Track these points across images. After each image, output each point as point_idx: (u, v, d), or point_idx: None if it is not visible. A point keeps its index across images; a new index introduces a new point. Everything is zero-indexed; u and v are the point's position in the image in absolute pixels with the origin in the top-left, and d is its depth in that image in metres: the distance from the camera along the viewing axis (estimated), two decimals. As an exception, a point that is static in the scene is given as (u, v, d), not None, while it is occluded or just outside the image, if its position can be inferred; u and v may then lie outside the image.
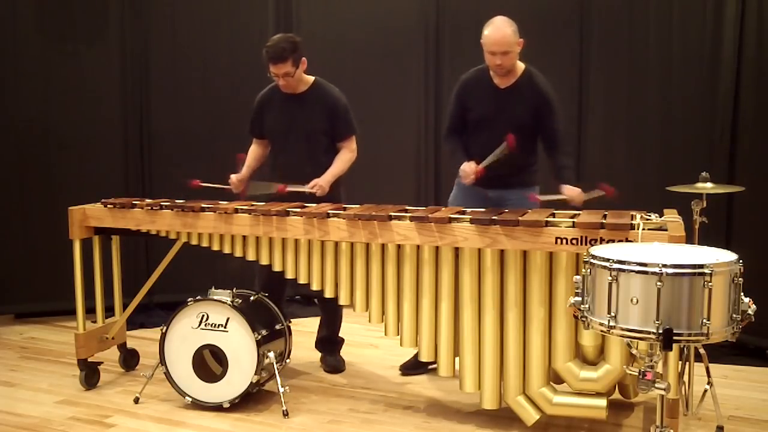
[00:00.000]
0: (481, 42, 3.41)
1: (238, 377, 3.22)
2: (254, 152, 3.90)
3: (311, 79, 3.73)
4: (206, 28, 4.97)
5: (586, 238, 2.71)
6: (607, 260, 2.03)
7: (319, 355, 3.95)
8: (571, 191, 3.29)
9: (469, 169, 3.42)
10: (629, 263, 1.99)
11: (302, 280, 3.27)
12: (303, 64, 3.64)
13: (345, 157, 3.72)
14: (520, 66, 3.50)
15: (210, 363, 3.33)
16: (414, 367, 3.72)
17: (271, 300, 3.52)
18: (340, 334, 3.93)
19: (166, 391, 3.42)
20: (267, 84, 5.04)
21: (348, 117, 3.72)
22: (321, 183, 3.57)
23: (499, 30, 3.36)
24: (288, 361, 3.52)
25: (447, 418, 3.21)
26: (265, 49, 3.59)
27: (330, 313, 3.83)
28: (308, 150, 3.68)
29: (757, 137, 3.94)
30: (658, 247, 2.27)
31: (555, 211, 3.02)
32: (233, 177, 3.79)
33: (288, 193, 3.50)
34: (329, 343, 3.90)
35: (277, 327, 3.38)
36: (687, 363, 3.03)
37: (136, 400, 3.38)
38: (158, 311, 4.79)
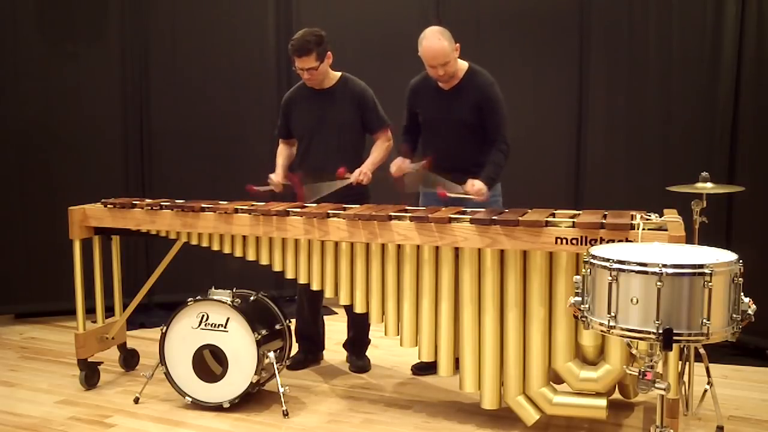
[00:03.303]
0: (419, 54, 3.44)
1: (238, 377, 3.22)
2: (283, 153, 3.89)
3: (338, 74, 3.73)
4: (206, 28, 4.97)
5: (586, 238, 2.71)
6: (607, 260, 2.03)
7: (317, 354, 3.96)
8: (471, 187, 3.31)
9: (399, 163, 3.53)
10: (629, 263, 1.99)
11: (302, 280, 3.27)
12: (328, 58, 3.63)
13: (382, 146, 3.73)
14: (463, 66, 3.52)
15: (210, 363, 3.33)
16: (426, 368, 3.66)
17: (310, 317, 3.62)
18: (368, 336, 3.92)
19: (166, 391, 3.42)
20: (267, 83, 5.08)
21: (378, 109, 3.73)
22: (365, 171, 3.58)
23: (433, 44, 3.37)
24: (288, 361, 3.53)
25: (447, 418, 3.21)
26: (290, 43, 3.59)
27: (358, 315, 3.76)
28: (338, 145, 3.68)
29: (757, 137, 3.94)
30: (658, 247, 2.27)
31: (555, 211, 3.02)
32: (272, 177, 3.74)
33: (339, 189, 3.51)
34: (358, 344, 3.90)
35: (277, 327, 3.38)
36: (687, 363, 3.03)
37: (136, 400, 3.38)
38: (158, 311, 4.79)
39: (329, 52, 3.62)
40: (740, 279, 2.00)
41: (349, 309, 3.55)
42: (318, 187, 3.56)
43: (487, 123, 3.49)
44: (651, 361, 2.05)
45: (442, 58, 3.37)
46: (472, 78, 3.50)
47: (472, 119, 3.48)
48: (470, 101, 3.47)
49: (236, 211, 3.32)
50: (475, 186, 3.32)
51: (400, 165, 3.56)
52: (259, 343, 3.19)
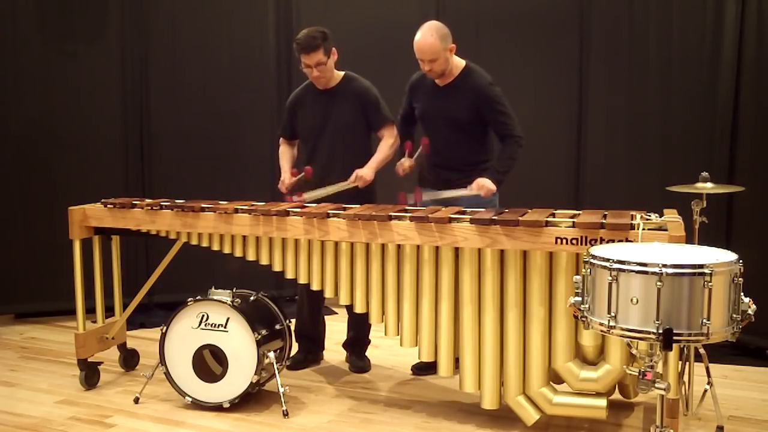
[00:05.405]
0: None
1: (238, 377, 3.22)
2: (286, 155, 3.89)
3: (341, 73, 3.74)
4: (206, 28, 4.97)
5: (586, 238, 2.71)
6: (607, 260, 2.03)
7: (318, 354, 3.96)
8: (474, 185, 3.34)
9: (405, 163, 3.59)
10: (629, 263, 1.99)
11: (302, 280, 3.27)
12: (334, 54, 3.63)
13: (387, 143, 3.72)
14: (459, 64, 3.53)
15: (210, 363, 3.33)
16: (426, 368, 3.66)
17: (310, 317, 3.62)
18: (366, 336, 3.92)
19: (166, 391, 3.42)
20: (267, 83, 5.08)
21: (381, 107, 3.72)
22: (362, 174, 3.57)
23: (424, 38, 3.39)
24: (288, 361, 3.53)
25: (447, 418, 3.21)
26: (295, 42, 3.59)
27: (358, 315, 3.73)
28: (342, 144, 3.68)
29: (757, 137, 3.94)
30: (658, 247, 2.27)
31: (555, 211, 3.02)
32: (284, 179, 3.73)
33: (335, 193, 3.52)
34: (358, 344, 3.90)
35: (277, 327, 3.38)
36: (687, 363, 3.04)
37: (136, 400, 3.38)
38: (158, 311, 4.79)
39: (334, 49, 3.63)
40: (740, 279, 2.00)
41: (349, 309, 3.55)
42: (318, 193, 3.56)
43: (491, 123, 3.49)
44: (651, 361, 2.05)
45: (429, 54, 3.38)
46: (467, 77, 3.50)
47: (465, 118, 3.48)
48: (464, 100, 3.47)
49: (236, 211, 3.32)
50: (479, 183, 3.33)
51: (403, 164, 3.59)
52: (259, 343, 3.19)
